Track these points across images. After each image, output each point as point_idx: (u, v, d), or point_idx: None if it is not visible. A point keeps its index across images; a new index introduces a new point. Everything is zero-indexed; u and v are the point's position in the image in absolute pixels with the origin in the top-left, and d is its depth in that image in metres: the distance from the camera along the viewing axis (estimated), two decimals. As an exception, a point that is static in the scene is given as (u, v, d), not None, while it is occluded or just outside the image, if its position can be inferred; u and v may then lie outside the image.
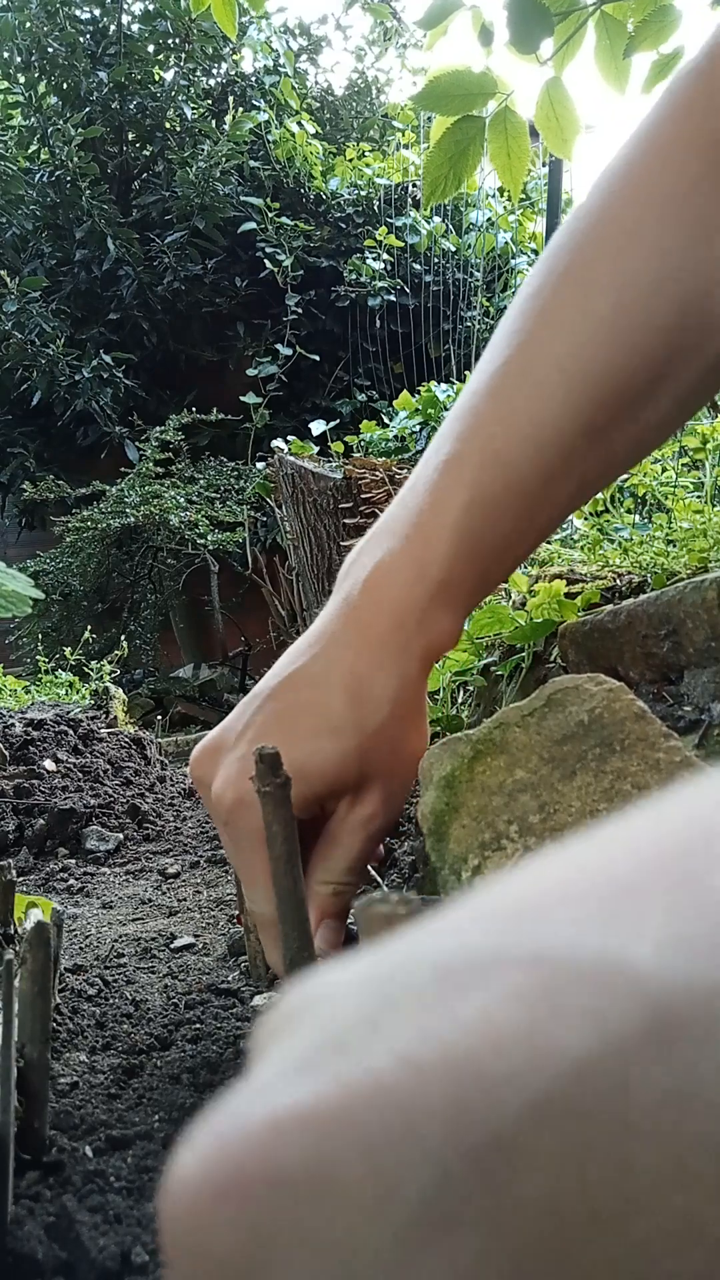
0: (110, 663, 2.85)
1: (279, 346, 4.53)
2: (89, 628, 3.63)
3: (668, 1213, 0.10)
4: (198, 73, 4.88)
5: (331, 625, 0.45)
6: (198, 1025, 0.61)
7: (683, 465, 1.63)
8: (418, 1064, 0.11)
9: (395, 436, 3.07)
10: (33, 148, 4.72)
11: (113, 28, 4.63)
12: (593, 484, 0.48)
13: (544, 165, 3.83)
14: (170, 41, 4.72)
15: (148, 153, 4.86)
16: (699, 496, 1.41)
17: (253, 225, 4.52)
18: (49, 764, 1.49)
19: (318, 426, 3.77)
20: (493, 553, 0.45)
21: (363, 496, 2.39)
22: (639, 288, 0.43)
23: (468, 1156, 0.11)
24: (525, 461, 0.44)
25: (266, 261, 4.51)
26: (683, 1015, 0.11)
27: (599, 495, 1.45)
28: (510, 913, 0.13)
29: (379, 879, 0.76)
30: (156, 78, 4.78)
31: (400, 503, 0.46)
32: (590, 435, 0.44)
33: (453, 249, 4.66)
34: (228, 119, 4.48)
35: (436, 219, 4.70)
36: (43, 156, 4.60)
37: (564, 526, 1.98)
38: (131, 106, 4.71)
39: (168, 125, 4.76)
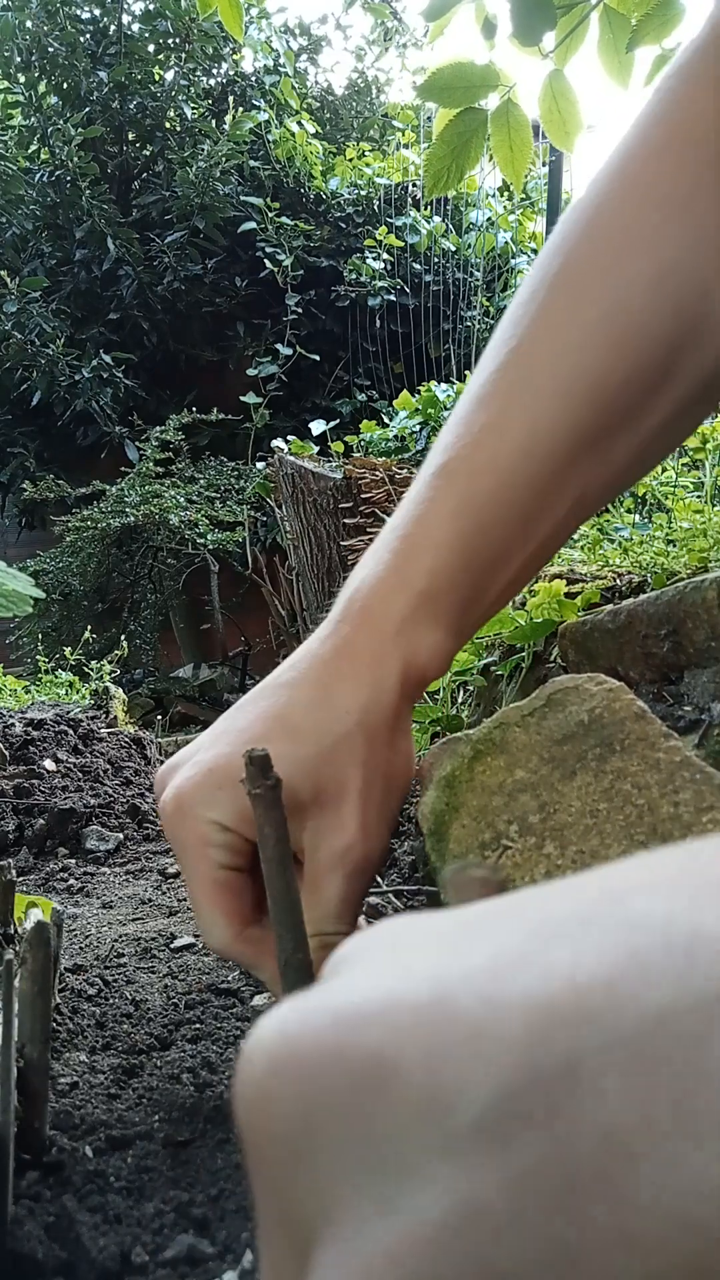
0: (110, 663, 2.85)
1: (279, 346, 4.53)
2: (89, 628, 3.63)
3: None
4: (198, 72, 4.88)
5: (313, 643, 0.42)
6: (198, 1025, 0.61)
7: (683, 465, 1.63)
8: (495, 1000, 0.12)
9: (395, 436, 3.07)
10: (33, 148, 4.72)
11: (113, 28, 4.63)
12: (596, 495, 0.45)
13: (544, 165, 3.83)
14: (170, 41, 4.72)
15: (148, 153, 4.86)
16: (699, 496, 1.41)
17: (253, 225, 4.52)
18: (49, 764, 1.49)
19: (318, 426, 3.77)
20: (484, 565, 0.42)
21: (363, 496, 2.39)
22: (634, 292, 0.42)
23: (535, 1081, 0.11)
24: (518, 470, 0.42)
25: (266, 261, 4.51)
26: None
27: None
28: (598, 891, 0.13)
29: (379, 878, 0.76)
30: (156, 78, 4.78)
31: (396, 515, 0.44)
32: (588, 444, 0.43)
33: (453, 249, 4.66)
34: (228, 119, 4.48)
35: (436, 219, 4.70)
36: (43, 156, 4.60)
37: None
38: (131, 106, 4.71)
39: (168, 125, 4.76)
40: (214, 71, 5.09)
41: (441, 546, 0.41)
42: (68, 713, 1.81)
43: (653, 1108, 0.11)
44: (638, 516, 1.58)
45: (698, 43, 0.44)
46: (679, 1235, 0.10)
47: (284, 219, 4.56)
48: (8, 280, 4.15)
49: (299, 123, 4.73)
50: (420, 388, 3.10)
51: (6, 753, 1.49)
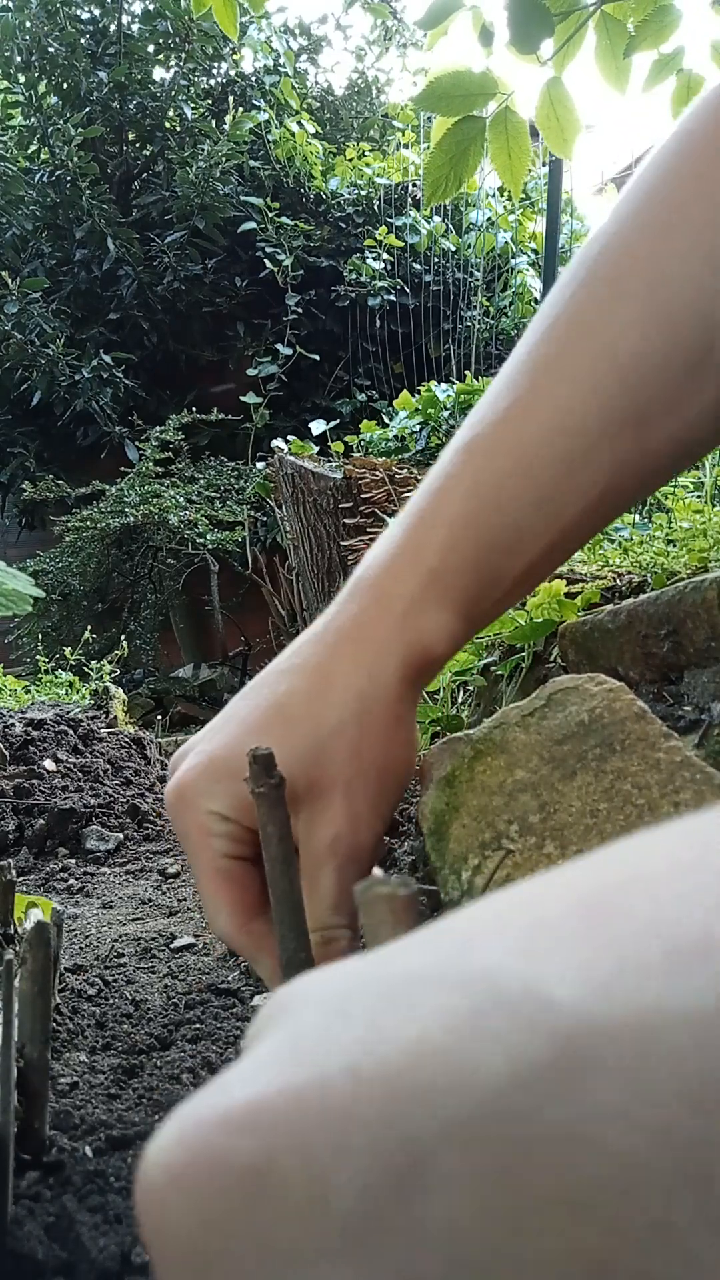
0: (110, 663, 2.85)
1: (279, 346, 4.53)
2: (89, 628, 3.63)
3: (564, 1243, 0.10)
4: (198, 73, 4.88)
5: (319, 624, 0.40)
6: (198, 1025, 0.61)
7: (683, 465, 1.63)
8: (358, 1075, 0.12)
9: (395, 436, 3.07)
10: (33, 148, 4.72)
11: (113, 28, 4.64)
12: (631, 485, 0.42)
13: (544, 165, 3.83)
14: (170, 41, 4.72)
15: (148, 153, 4.86)
16: (699, 496, 1.41)
17: (253, 225, 4.53)
18: (49, 764, 1.49)
19: (318, 426, 3.77)
20: (499, 546, 0.39)
21: (363, 496, 2.39)
22: (679, 268, 0.39)
23: (388, 1172, 0.11)
24: (541, 449, 0.39)
25: (266, 261, 4.51)
26: (591, 1049, 0.11)
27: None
28: (456, 938, 0.14)
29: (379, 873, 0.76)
30: (156, 78, 4.78)
31: (415, 495, 0.42)
32: (620, 426, 0.40)
33: (453, 249, 4.66)
34: (228, 119, 4.48)
35: (436, 219, 4.70)
36: (43, 156, 4.60)
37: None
38: (131, 106, 4.71)
39: (168, 125, 4.76)
40: (214, 71, 5.09)
41: (455, 523, 0.39)
42: (68, 713, 1.81)
43: (493, 1196, 0.11)
44: (638, 516, 1.58)
45: None
46: None
47: (284, 219, 4.56)
48: (8, 280, 4.15)
49: (299, 123, 4.73)
50: (420, 388, 3.10)
51: (6, 753, 1.49)
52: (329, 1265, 0.11)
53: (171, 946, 0.80)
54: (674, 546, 1.04)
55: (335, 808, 0.37)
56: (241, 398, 4.38)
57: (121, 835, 1.31)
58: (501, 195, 4.67)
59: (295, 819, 0.37)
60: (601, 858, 0.14)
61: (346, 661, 0.38)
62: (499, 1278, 0.10)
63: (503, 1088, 0.11)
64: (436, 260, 4.68)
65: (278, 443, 3.45)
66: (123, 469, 4.21)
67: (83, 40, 4.55)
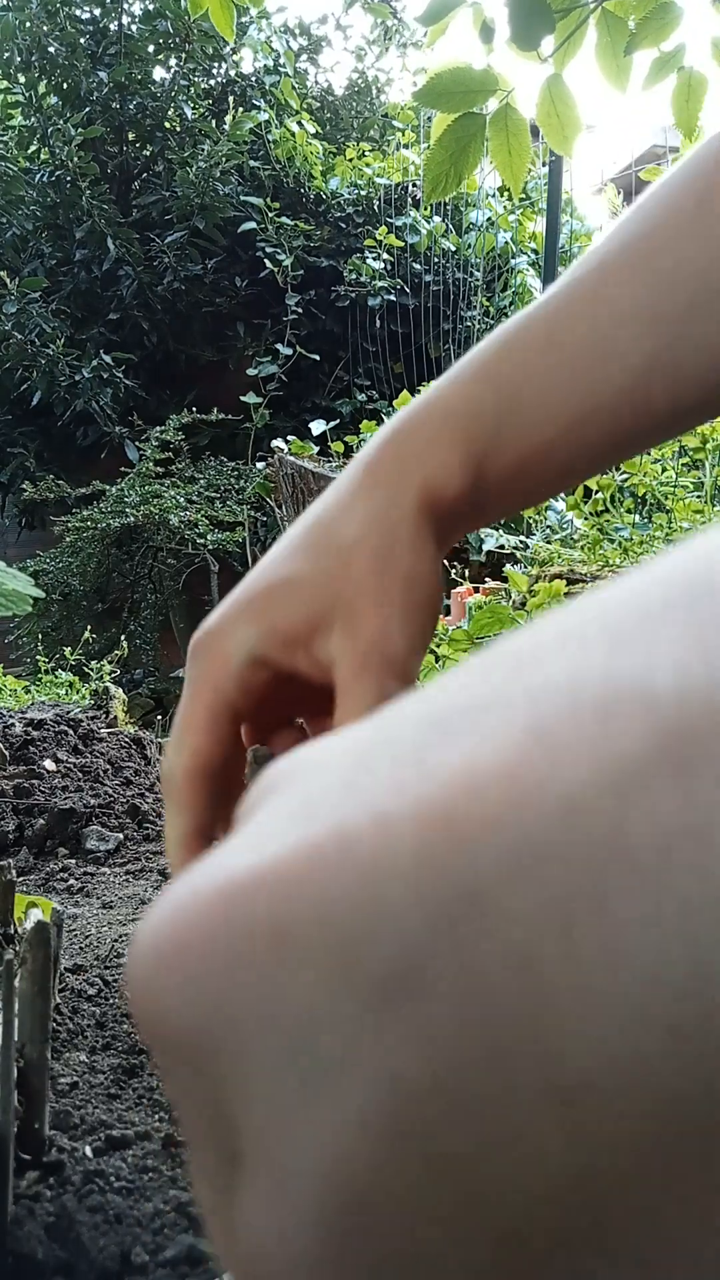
0: (110, 663, 2.85)
1: (279, 346, 4.53)
2: (89, 628, 3.63)
3: (656, 970, 0.09)
4: (198, 73, 4.88)
5: (343, 473, 0.40)
6: (198, 1025, 0.61)
7: (683, 465, 1.63)
8: (386, 817, 0.10)
9: (395, 436, 3.07)
10: (33, 148, 4.73)
11: (113, 28, 4.64)
12: (660, 394, 0.39)
13: (544, 165, 3.83)
14: (170, 41, 4.72)
15: (148, 153, 4.86)
16: (699, 496, 1.41)
17: (253, 225, 4.53)
18: (49, 764, 1.49)
19: (318, 426, 3.77)
20: (518, 405, 0.38)
21: (363, 496, 2.39)
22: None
23: (434, 916, 0.10)
24: (578, 321, 0.38)
25: (266, 261, 4.51)
26: (707, 738, 0.09)
27: (599, 495, 1.45)
28: (511, 661, 0.11)
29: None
30: (156, 78, 4.78)
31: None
32: (659, 321, 0.38)
33: (453, 249, 4.66)
34: (228, 119, 4.48)
35: (436, 219, 4.70)
36: (43, 156, 4.60)
37: (564, 526, 1.98)
38: (131, 106, 4.71)
39: (168, 125, 4.76)
40: (214, 71, 5.09)
41: (477, 376, 0.38)
42: (68, 713, 1.81)
43: (570, 925, 0.09)
44: (638, 516, 1.58)
45: None
46: (612, 1083, 0.09)
47: (284, 219, 4.56)
48: (8, 280, 4.15)
49: (299, 123, 4.73)
50: (420, 388, 3.10)
51: (6, 753, 1.49)
52: (360, 1038, 0.10)
53: (171, 946, 0.80)
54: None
55: (364, 617, 0.35)
56: (241, 398, 4.38)
57: (121, 835, 1.31)
58: (502, 195, 4.68)
59: (326, 642, 0.35)
60: (673, 555, 0.12)
61: (365, 491, 0.37)
62: (580, 1020, 0.09)
63: (585, 795, 0.09)
64: (436, 260, 4.68)
65: (278, 443, 3.45)
66: (123, 469, 4.21)
67: (83, 40, 4.55)
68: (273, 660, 0.35)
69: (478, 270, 4.58)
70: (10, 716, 1.69)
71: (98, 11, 4.66)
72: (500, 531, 2.52)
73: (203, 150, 4.40)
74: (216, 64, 5.04)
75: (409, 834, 0.10)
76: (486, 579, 2.19)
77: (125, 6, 4.65)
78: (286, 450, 3.29)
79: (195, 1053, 0.11)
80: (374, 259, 4.55)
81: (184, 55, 4.70)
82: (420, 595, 0.36)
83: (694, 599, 0.10)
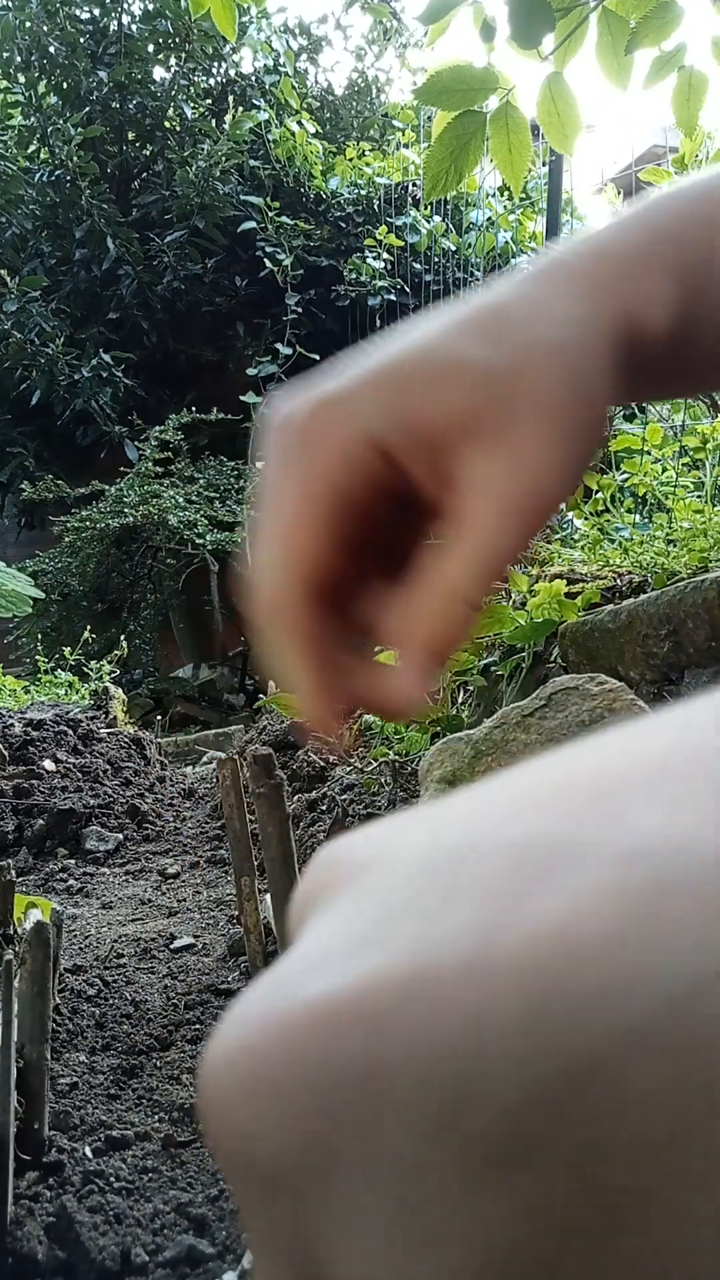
0: (110, 663, 2.85)
1: (279, 346, 4.53)
2: (88, 628, 3.63)
3: None
4: (197, 72, 4.88)
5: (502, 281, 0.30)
6: (198, 1026, 0.61)
7: (683, 465, 1.63)
8: (488, 965, 0.10)
9: (395, 436, 3.07)
10: (33, 147, 4.72)
11: (113, 27, 4.64)
12: None
13: (544, 165, 3.83)
14: (170, 41, 4.72)
15: (148, 152, 4.86)
16: (699, 496, 1.40)
17: (252, 225, 4.53)
18: (49, 764, 1.49)
19: (318, 426, 3.77)
20: (700, 267, 0.30)
21: (363, 496, 2.39)
22: None
23: (543, 1089, 0.09)
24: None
25: (266, 261, 4.51)
26: None
27: (599, 495, 1.45)
28: (589, 793, 0.11)
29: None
30: (156, 77, 4.78)
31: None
32: None
33: (453, 248, 4.66)
34: (227, 118, 4.48)
35: (436, 218, 4.70)
36: (43, 156, 4.60)
37: (564, 526, 1.98)
38: (131, 106, 4.71)
39: (167, 125, 4.76)
40: (214, 71, 5.09)
41: (678, 201, 0.31)
42: (67, 713, 1.81)
43: (694, 1115, 0.09)
44: (638, 516, 1.58)
45: None
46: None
47: (284, 219, 4.56)
48: (7, 280, 4.15)
49: (299, 122, 4.73)
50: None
51: (6, 753, 1.49)
52: (454, 1196, 0.09)
53: (171, 947, 0.80)
54: (674, 546, 1.04)
55: (541, 440, 0.27)
56: (241, 398, 4.38)
57: (121, 835, 1.31)
58: (502, 194, 4.67)
59: (471, 454, 0.27)
60: None
61: (566, 291, 0.29)
62: (694, 1195, 0.08)
63: (707, 983, 0.09)
64: (437, 260, 4.68)
65: (278, 442, 3.45)
66: (122, 469, 4.21)
67: (83, 40, 4.55)
68: (394, 455, 0.27)
69: (478, 270, 4.58)
70: (10, 716, 1.69)
71: (97, 11, 4.66)
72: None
73: (203, 150, 4.40)
74: (216, 63, 5.04)
75: (510, 995, 0.09)
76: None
77: (125, 6, 4.64)
78: (286, 450, 3.29)
79: (281, 1183, 0.11)
80: (374, 258, 4.55)
81: (184, 55, 4.70)
82: (593, 434, 0.28)
83: None
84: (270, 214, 4.53)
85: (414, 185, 4.70)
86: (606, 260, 0.30)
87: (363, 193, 4.80)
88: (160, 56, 4.77)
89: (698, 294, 0.31)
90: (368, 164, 4.81)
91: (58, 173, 4.42)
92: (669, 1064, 0.09)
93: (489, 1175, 0.09)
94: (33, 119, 4.61)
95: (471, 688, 1.02)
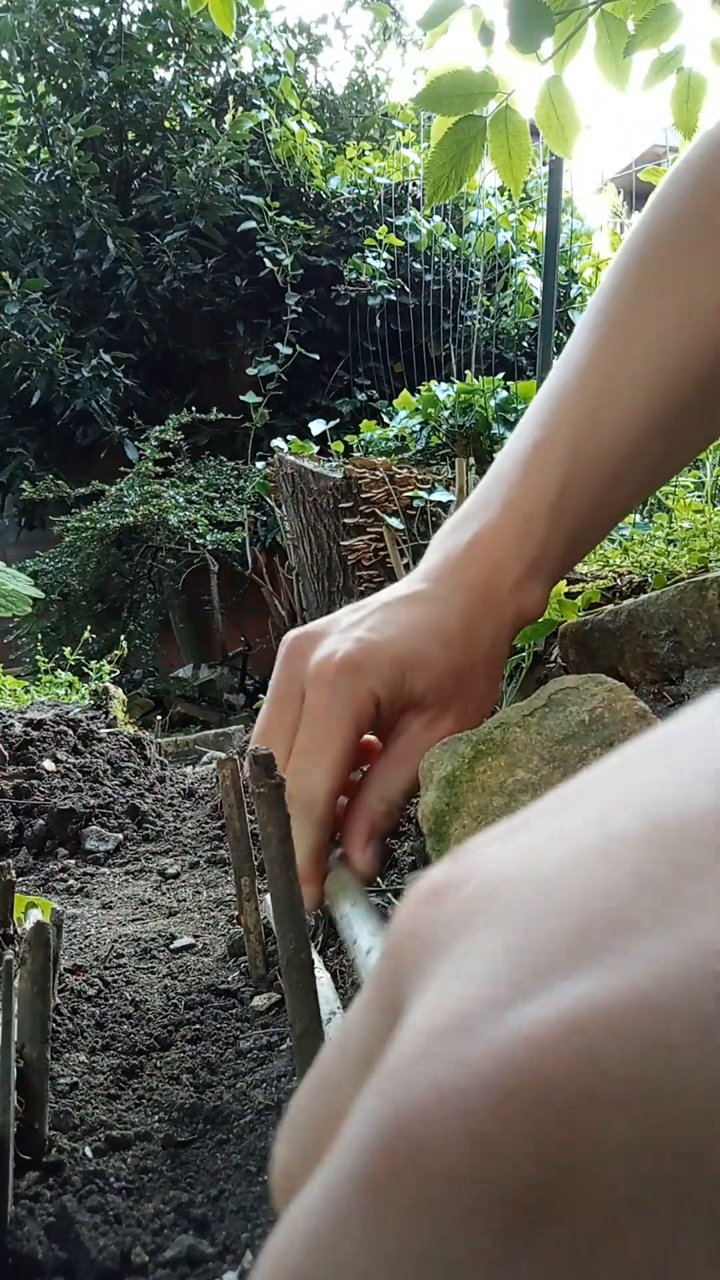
0: (110, 663, 2.85)
1: (279, 346, 4.53)
2: (88, 628, 3.63)
3: None
4: (197, 72, 4.88)
5: (438, 570, 0.48)
6: (198, 1026, 0.61)
7: (683, 465, 1.63)
8: (665, 993, 0.09)
9: (395, 436, 3.07)
10: (33, 147, 4.72)
11: (113, 27, 4.63)
12: (668, 470, 0.52)
13: (544, 165, 3.83)
14: (170, 41, 4.72)
15: (147, 152, 4.86)
16: (699, 496, 1.40)
17: (252, 224, 4.52)
18: (49, 764, 1.49)
19: (318, 426, 3.76)
20: (578, 531, 0.49)
21: (363, 496, 2.39)
22: (709, 293, 0.46)
23: None
24: (612, 449, 0.47)
25: (266, 261, 4.51)
26: None
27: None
28: (675, 868, 0.11)
29: (379, 879, 0.76)
30: (156, 77, 4.78)
31: (494, 479, 0.50)
32: (670, 424, 0.48)
33: (453, 248, 4.66)
34: (227, 118, 4.48)
35: (437, 218, 4.70)
36: (43, 156, 4.60)
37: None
38: (131, 106, 4.71)
39: (167, 125, 4.76)
40: (214, 71, 5.09)
41: (551, 515, 0.47)
42: (67, 713, 1.81)
43: None
44: (638, 516, 1.58)
45: None
46: None
47: (284, 218, 4.56)
48: (8, 280, 4.15)
49: (299, 122, 4.73)
50: (420, 387, 3.10)
51: (6, 753, 1.49)
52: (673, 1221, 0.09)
53: (171, 947, 0.80)
54: (674, 546, 1.04)
55: (453, 721, 0.46)
56: (241, 397, 4.38)
57: (121, 835, 1.31)
58: (502, 195, 4.67)
59: (417, 717, 0.46)
60: None
61: (482, 612, 0.46)
62: None
63: None
64: (436, 260, 4.67)
65: (278, 442, 3.44)
66: (122, 469, 4.21)
67: (82, 40, 4.55)
68: (386, 708, 0.44)
69: (478, 270, 4.58)
70: (10, 716, 1.69)
71: (97, 11, 4.66)
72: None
73: (202, 149, 4.40)
74: (216, 63, 5.03)
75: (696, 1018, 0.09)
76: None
77: (125, 6, 4.64)
78: (286, 450, 3.29)
79: (507, 1223, 0.10)
80: (374, 258, 4.55)
81: (184, 54, 4.70)
82: (486, 712, 0.49)
83: None
84: (270, 214, 4.53)
85: (414, 185, 4.70)
86: (502, 579, 0.47)
87: (363, 193, 4.80)
88: (160, 56, 4.76)
89: (560, 576, 0.50)
90: (368, 164, 4.81)
91: (58, 173, 4.42)
92: None
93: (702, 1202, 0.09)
94: (33, 119, 4.60)
95: (471, 688, 1.02)
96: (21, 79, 4.57)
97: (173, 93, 4.71)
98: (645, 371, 0.47)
